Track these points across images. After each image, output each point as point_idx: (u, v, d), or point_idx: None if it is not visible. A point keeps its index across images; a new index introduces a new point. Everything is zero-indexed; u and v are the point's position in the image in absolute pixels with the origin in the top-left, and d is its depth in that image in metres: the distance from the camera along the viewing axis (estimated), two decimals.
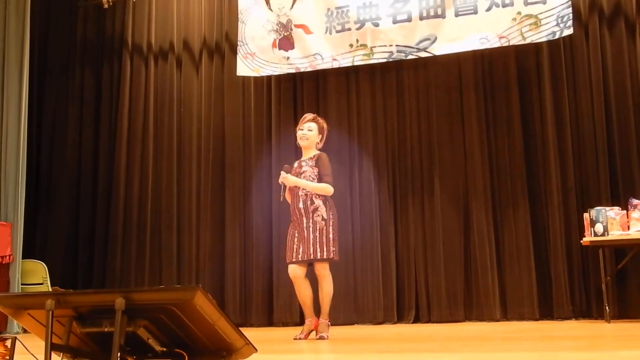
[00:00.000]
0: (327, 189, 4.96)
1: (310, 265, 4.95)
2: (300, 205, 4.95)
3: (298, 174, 5.02)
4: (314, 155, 5.08)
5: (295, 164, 5.15)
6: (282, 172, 5.02)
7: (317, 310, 5.00)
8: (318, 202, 4.94)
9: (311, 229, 4.88)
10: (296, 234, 4.93)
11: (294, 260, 4.90)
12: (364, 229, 6.69)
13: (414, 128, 6.78)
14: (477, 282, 6.32)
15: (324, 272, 4.89)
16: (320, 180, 4.98)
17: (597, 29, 6.30)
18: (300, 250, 4.88)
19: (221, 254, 7.06)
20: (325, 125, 5.21)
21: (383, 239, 6.63)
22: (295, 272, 4.92)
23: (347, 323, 6.50)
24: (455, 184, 6.56)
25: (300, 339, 4.85)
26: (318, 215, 4.91)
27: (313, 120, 5.16)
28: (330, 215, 4.94)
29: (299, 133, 5.13)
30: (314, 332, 4.94)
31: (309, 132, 5.09)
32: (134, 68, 7.71)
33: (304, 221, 4.91)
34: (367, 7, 6.72)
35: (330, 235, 4.88)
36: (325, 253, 4.84)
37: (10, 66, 6.71)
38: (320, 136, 5.16)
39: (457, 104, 6.67)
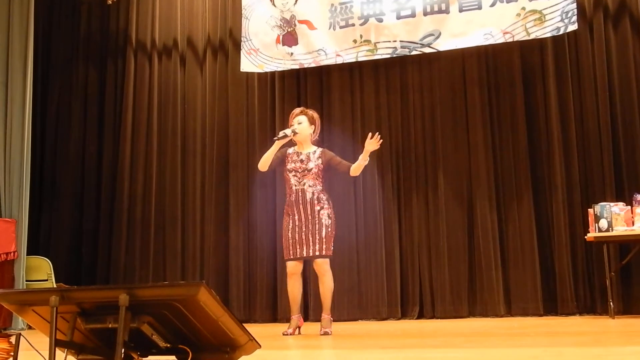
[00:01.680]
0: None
1: (305, 261, 5.02)
2: (308, 201, 4.96)
3: (303, 169, 5.02)
4: (315, 151, 5.09)
5: (292, 155, 5.10)
6: (285, 132, 5.03)
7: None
8: (324, 200, 4.99)
9: (317, 227, 4.91)
10: (297, 230, 4.94)
11: (297, 256, 4.94)
12: (368, 225, 6.69)
13: (417, 124, 6.77)
14: (481, 278, 6.32)
15: (326, 268, 4.94)
16: (342, 165, 5.03)
17: (601, 24, 6.28)
18: (304, 247, 4.91)
19: (225, 250, 7.06)
20: (315, 116, 5.19)
21: (387, 235, 6.63)
22: (297, 268, 4.98)
23: (351, 319, 6.51)
24: (459, 180, 6.55)
25: (289, 334, 4.89)
26: (324, 213, 4.96)
27: (301, 113, 5.17)
28: (334, 214, 5.04)
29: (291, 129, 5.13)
30: (299, 328, 5.02)
31: (299, 125, 5.09)
32: (138, 65, 7.71)
33: (310, 218, 4.93)
34: (370, 2, 6.70)
35: (332, 233, 4.97)
36: (326, 250, 4.92)
37: (14, 62, 6.71)
38: (313, 127, 5.15)
39: (461, 100, 6.66)
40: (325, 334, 4.83)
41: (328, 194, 5.07)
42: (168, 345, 2.32)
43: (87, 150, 7.73)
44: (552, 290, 6.15)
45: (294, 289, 5.00)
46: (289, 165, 5.07)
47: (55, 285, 6.53)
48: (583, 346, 3.57)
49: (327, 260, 4.94)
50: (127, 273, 7.24)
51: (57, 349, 2.20)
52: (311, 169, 5.01)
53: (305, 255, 4.92)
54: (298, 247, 4.93)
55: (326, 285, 4.95)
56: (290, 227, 4.98)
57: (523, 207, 6.32)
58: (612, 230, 5.51)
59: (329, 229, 4.94)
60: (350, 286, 6.61)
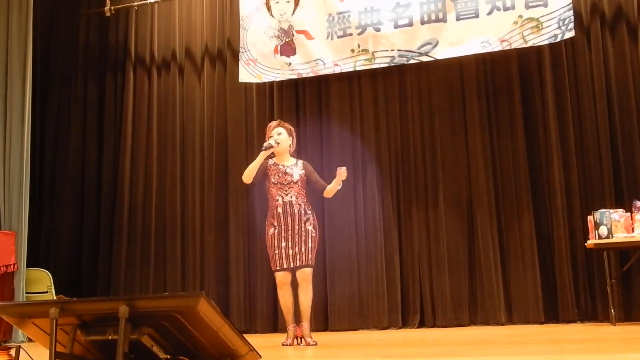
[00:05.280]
0: None
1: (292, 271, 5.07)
2: (295, 213, 5.04)
3: (288, 182, 5.10)
4: (296, 163, 5.20)
5: (272, 167, 5.17)
6: (270, 143, 5.10)
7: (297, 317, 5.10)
8: (309, 213, 5.10)
9: (303, 238, 5.00)
10: (283, 240, 5.02)
11: (285, 267, 5.01)
12: (367, 233, 6.68)
13: (416, 132, 6.77)
14: (481, 286, 6.31)
15: (310, 278, 5.04)
16: (319, 184, 5.17)
17: (598, 31, 6.29)
18: (291, 257, 4.99)
19: (225, 260, 7.05)
20: (292, 128, 5.31)
21: (387, 243, 6.63)
22: (286, 278, 5.05)
23: (352, 328, 6.49)
24: (459, 188, 6.55)
25: (289, 344, 4.92)
26: (310, 224, 5.06)
27: (279, 125, 5.26)
28: (317, 225, 5.16)
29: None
30: (297, 337, 5.03)
31: (279, 135, 5.16)
32: (137, 76, 7.72)
33: (296, 229, 5.02)
34: (368, 12, 6.72)
35: (316, 244, 5.10)
36: (311, 260, 5.02)
37: (13, 75, 6.72)
38: (291, 138, 5.24)
39: (460, 108, 6.67)
40: (315, 343, 4.86)
41: (311, 205, 5.19)
42: (168, 357, 2.31)
43: (86, 162, 7.73)
44: (553, 298, 6.13)
45: (287, 299, 5.07)
46: (273, 179, 5.14)
47: (55, 298, 6.52)
48: (584, 353, 3.57)
49: (311, 270, 5.05)
50: (127, 284, 7.23)
51: None
52: (297, 181, 5.10)
53: (292, 265, 5.01)
54: (284, 257, 5.01)
55: (308, 295, 5.04)
56: (277, 238, 5.06)
57: (523, 214, 6.31)
58: (612, 237, 5.50)
59: (314, 240, 5.06)
60: (351, 295, 6.59)
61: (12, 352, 2.68)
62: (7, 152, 6.61)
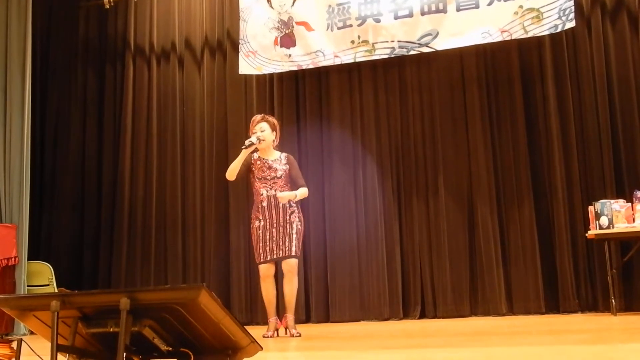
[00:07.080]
0: (306, 193, 5.19)
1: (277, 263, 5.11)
2: (280, 206, 5.05)
3: (272, 177, 5.11)
4: (280, 157, 5.18)
5: (257, 161, 5.18)
6: (251, 140, 5.09)
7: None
8: (294, 205, 5.11)
9: (288, 230, 5.02)
10: (267, 233, 5.03)
11: (269, 259, 5.03)
12: (368, 226, 6.69)
13: (417, 124, 6.76)
14: (482, 277, 6.31)
15: (294, 269, 5.05)
16: (295, 184, 5.15)
17: (599, 22, 6.28)
18: (275, 249, 5.01)
19: (226, 252, 7.06)
20: (276, 122, 5.28)
21: (388, 235, 6.63)
22: (270, 271, 5.08)
23: (353, 320, 6.51)
24: (459, 180, 6.55)
25: (269, 336, 4.94)
26: (295, 217, 5.08)
27: (262, 120, 5.23)
28: (303, 218, 5.17)
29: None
30: (279, 329, 5.08)
31: (262, 132, 5.14)
32: (137, 68, 7.71)
33: (281, 222, 5.04)
34: (368, 3, 6.70)
35: (302, 236, 5.11)
36: (295, 251, 5.03)
37: (13, 67, 6.71)
38: (274, 133, 5.21)
39: (460, 99, 6.66)
40: (298, 335, 4.88)
41: (299, 202, 5.17)
42: (169, 349, 2.31)
43: (87, 155, 7.74)
44: (554, 288, 6.14)
45: (270, 292, 5.09)
46: (257, 174, 5.15)
47: (56, 290, 6.53)
48: (585, 344, 3.57)
49: (296, 261, 5.05)
50: (129, 277, 7.24)
51: (58, 353, 2.20)
52: (280, 176, 5.11)
53: (276, 257, 5.02)
54: (268, 250, 5.02)
55: (294, 285, 5.06)
56: (261, 231, 5.07)
57: (523, 205, 6.31)
58: (613, 227, 5.50)
59: (300, 232, 5.06)
60: (352, 287, 6.60)
61: (14, 344, 2.68)
62: (7, 145, 6.61)
